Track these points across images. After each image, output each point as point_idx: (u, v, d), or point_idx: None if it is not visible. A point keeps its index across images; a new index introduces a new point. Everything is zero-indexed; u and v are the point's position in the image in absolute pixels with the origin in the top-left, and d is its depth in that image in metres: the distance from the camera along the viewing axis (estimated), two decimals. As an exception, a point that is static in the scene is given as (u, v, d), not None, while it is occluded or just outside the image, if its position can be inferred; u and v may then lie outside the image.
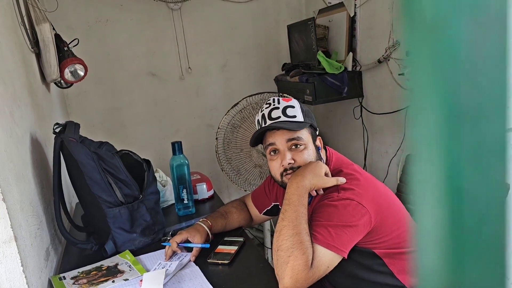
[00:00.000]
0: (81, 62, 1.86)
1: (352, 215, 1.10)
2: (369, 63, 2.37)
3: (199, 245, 1.33)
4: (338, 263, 1.10)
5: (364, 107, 2.50)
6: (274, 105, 1.25)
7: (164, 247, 1.38)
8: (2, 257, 0.96)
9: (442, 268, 0.20)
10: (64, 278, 1.25)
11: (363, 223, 1.10)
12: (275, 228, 1.15)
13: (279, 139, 1.23)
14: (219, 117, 2.47)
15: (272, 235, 2.71)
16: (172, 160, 1.66)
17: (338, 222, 1.09)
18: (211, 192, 1.91)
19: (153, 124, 2.87)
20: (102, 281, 1.21)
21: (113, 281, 1.21)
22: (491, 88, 0.18)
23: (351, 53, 2.44)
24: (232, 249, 1.35)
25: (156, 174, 1.82)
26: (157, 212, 1.51)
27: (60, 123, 1.46)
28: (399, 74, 2.13)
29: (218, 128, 2.37)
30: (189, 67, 2.85)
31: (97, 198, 1.36)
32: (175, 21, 2.77)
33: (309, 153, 1.23)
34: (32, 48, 1.65)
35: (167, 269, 1.22)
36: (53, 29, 1.76)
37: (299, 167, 1.22)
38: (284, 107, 1.24)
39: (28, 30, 1.61)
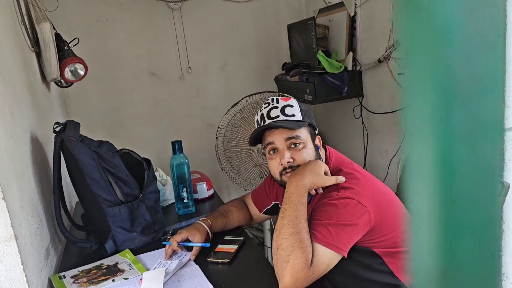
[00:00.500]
0: (81, 61, 1.86)
1: (351, 214, 1.10)
2: (369, 62, 2.37)
3: (199, 244, 1.33)
4: (338, 262, 1.10)
5: (364, 107, 2.50)
6: (273, 104, 1.26)
7: (164, 246, 1.38)
8: (2, 255, 0.96)
9: (434, 249, 0.20)
10: (64, 277, 1.25)
11: (362, 222, 1.10)
12: (275, 227, 1.15)
13: (278, 138, 1.23)
14: (219, 116, 2.47)
15: (272, 235, 2.71)
16: (172, 159, 1.66)
17: (338, 221, 1.09)
18: (211, 192, 1.91)
19: (153, 124, 2.87)
20: (102, 280, 1.22)
21: (113, 280, 1.21)
22: (484, 68, 0.19)
23: (351, 53, 2.45)
24: (232, 248, 1.35)
25: (156, 173, 1.82)
26: (157, 211, 1.51)
27: (60, 122, 1.46)
28: (399, 74, 2.13)
29: (218, 127, 2.37)
30: (189, 67, 2.85)
31: (97, 197, 1.36)
32: (175, 21, 2.77)
33: (308, 152, 1.24)
34: (32, 47, 1.65)
35: (167, 268, 1.23)
36: (54, 28, 1.76)
37: (298, 166, 1.22)
38: (282, 106, 1.24)
39: (29, 30, 1.61)
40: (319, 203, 1.17)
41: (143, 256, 1.37)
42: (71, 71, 1.85)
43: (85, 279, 1.23)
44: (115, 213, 1.39)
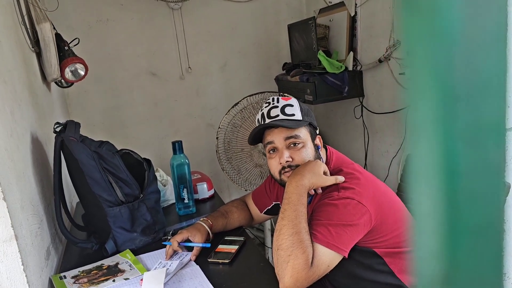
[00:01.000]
0: (81, 61, 1.86)
1: (352, 214, 1.10)
2: (369, 62, 2.36)
3: (200, 245, 1.33)
4: (339, 263, 1.10)
5: (364, 107, 2.50)
6: (273, 103, 1.26)
7: (164, 246, 1.38)
8: (2, 256, 0.96)
9: (437, 251, 0.20)
10: (65, 277, 1.25)
11: (363, 222, 1.10)
12: (275, 227, 1.15)
13: (277, 137, 1.24)
14: (219, 116, 2.47)
15: (272, 235, 2.71)
16: (173, 160, 1.66)
17: (338, 221, 1.09)
18: (211, 192, 1.91)
19: (153, 124, 2.87)
20: (103, 280, 1.21)
21: (114, 280, 1.21)
22: (487, 69, 0.19)
23: (351, 53, 2.44)
24: (233, 248, 1.35)
25: (157, 174, 1.82)
26: (158, 211, 1.51)
27: (61, 122, 1.46)
28: (399, 74, 2.13)
29: (219, 127, 2.37)
30: (189, 67, 2.85)
31: (98, 197, 1.36)
32: (175, 21, 2.77)
33: (308, 152, 1.23)
34: (32, 47, 1.65)
35: (168, 268, 1.22)
36: (54, 28, 1.76)
37: (297, 165, 1.22)
38: (283, 106, 1.24)
39: (29, 30, 1.61)
40: (319, 203, 1.17)
41: (143, 256, 1.37)
42: (71, 71, 1.85)
43: (85, 280, 1.23)
44: (116, 214, 1.39)
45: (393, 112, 2.26)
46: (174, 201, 1.81)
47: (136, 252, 1.40)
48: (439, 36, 0.18)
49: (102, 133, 2.46)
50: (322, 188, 1.22)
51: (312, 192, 1.21)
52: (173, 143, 1.66)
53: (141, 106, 2.82)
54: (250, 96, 2.36)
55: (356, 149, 2.65)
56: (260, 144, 1.33)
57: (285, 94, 2.30)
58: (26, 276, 1.00)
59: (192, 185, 1.75)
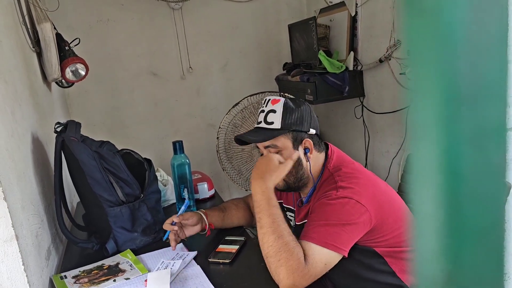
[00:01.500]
0: (82, 61, 1.86)
1: (350, 214, 1.10)
2: (370, 62, 2.36)
3: (183, 207, 1.35)
4: (339, 262, 1.10)
5: (365, 107, 2.50)
6: (263, 107, 1.28)
7: (168, 245, 1.37)
8: (3, 256, 0.96)
9: (439, 252, 0.20)
10: (65, 277, 1.25)
11: (362, 221, 1.10)
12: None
13: (259, 145, 1.28)
14: (220, 116, 2.47)
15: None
16: (173, 160, 1.66)
17: (336, 221, 1.09)
18: (212, 192, 1.91)
19: (154, 124, 2.87)
20: (103, 280, 1.21)
21: (114, 280, 1.21)
22: (490, 71, 0.19)
23: (352, 53, 2.44)
24: (233, 248, 1.35)
25: (157, 174, 1.82)
26: (158, 211, 1.51)
27: (61, 122, 1.46)
28: (400, 74, 2.13)
29: (219, 127, 2.37)
30: (190, 67, 2.85)
31: (98, 197, 1.36)
32: (176, 21, 2.77)
33: (288, 155, 1.24)
34: (33, 47, 1.65)
35: (171, 269, 1.22)
36: (54, 28, 1.76)
37: None
38: (267, 112, 1.26)
39: (29, 30, 1.61)
40: (317, 203, 1.17)
41: (144, 256, 1.37)
42: (72, 71, 1.85)
43: (86, 280, 1.23)
44: (116, 213, 1.39)
45: (393, 112, 2.26)
46: (174, 201, 1.81)
47: (137, 252, 1.40)
48: (442, 38, 0.18)
49: (103, 133, 2.46)
50: (319, 186, 1.22)
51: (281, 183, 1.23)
52: (174, 143, 1.65)
53: (142, 106, 2.83)
54: (250, 96, 2.36)
55: (357, 149, 2.65)
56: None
57: (282, 95, 2.30)
58: (26, 276, 1.00)
59: (193, 185, 1.75)
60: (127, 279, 1.22)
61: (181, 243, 1.39)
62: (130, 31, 2.71)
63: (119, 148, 1.52)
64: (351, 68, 2.44)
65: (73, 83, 2.06)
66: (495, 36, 0.19)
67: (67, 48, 1.84)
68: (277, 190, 1.30)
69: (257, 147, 1.32)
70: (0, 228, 0.95)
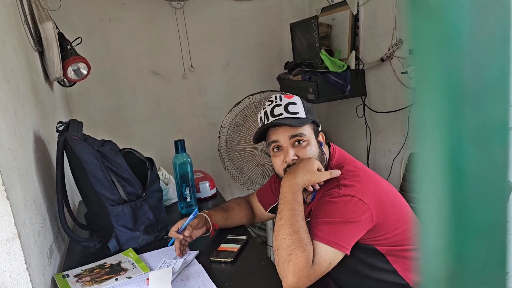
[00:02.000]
0: (84, 60, 1.86)
1: (353, 212, 1.10)
2: (372, 61, 2.36)
3: (191, 216, 1.32)
4: (341, 260, 1.10)
5: (367, 106, 2.50)
6: (276, 102, 1.26)
7: (162, 238, 1.38)
8: (6, 254, 0.97)
9: (443, 250, 0.20)
10: (68, 275, 1.25)
11: (364, 219, 1.10)
12: (274, 227, 1.15)
13: (282, 136, 1.24)
14: (221, 115, 2.47)
15: (274, 234, 2.71)
16: (175, 159, 1.66)
17: (339, 219, 1.09)
18: (213, 191, 1.91)
19: (155, 123, 2.87)
20: (105, 279, 1.22)
21: (116, 279, 1.21)
22: (493, 71, 0.19)
23: (354, 52, 2.44)
24: (235, 247, 1.35)
25: (159, 173, 1.82)
26: (160, 210, 1.51)
27: (64, 121, 1.46)
28: (402, 73, 2.12)
29: (221, 126, 2.37)
30: (191, 66, 2.85)
31: (100, 196, 1.37)
32: (178, 20, 2.77)
33: (312, 149, 1.24)
34: (35, 46, 1.65)
35: (173, 267, 1.23)
36: (56, 27, 1.76)
37: None
38: (286, 104, 1.25)
39: (32, 29, 1.61)
40: (320, 201, 1.17)
41: (146, 255, 1.37)
42: (74, 70, 1.85)
43: (88, 278, 1.23)
44: (118, 212, 1.39)
45: (395, 111, 2.25)
46: (176, 200, 1.82)
47: (139, 251, 1.40)
48: (446, 37, 0.19)
49: (105, 132, 2.47)
50: (321, 185, 1.22)
51: (310, 188, 1.21)
52: (176, 142, 1.66)
53: (144, 105, 2.83)
54: (252, 95, 2.36)
55: (359, 148, 2.65)
56: (262, 143, 1.34)
57: (287, 93, 2.30)
58: (29, 274, 1.00)
59: (195, 184, 1.75)
60: (129, 278, 1.22)
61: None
62: (132, 30, 2.71)
63: (121, 147, 1.52)
64: (353, 67, 2.44)
65: (75, 82, 2.07)
66: (498, 36, 0.19)
67: (69, 47, 1.85)
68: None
69: (269, 143, 1.28)
70: (2, 227, 0.95)
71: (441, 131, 0.19)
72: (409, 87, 2.07)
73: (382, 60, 2.25)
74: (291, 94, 1.30)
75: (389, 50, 2.19)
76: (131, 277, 1.22)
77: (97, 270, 1.29)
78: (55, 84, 2.06)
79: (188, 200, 1.71)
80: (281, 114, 1.24)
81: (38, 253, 1.14)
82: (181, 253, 1.30)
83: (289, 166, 1.25)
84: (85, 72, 1.89)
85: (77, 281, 1.22)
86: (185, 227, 1.32)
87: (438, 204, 0.20)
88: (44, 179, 1.38)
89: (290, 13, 3.01)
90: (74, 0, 2.54)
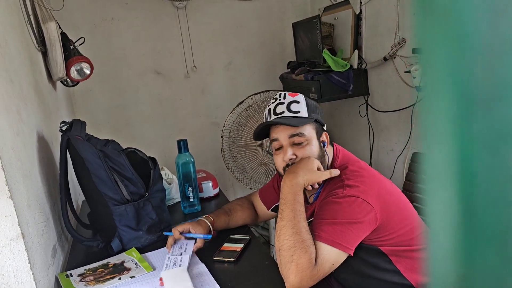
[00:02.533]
0: (87, 60, 1.86)
1: (357, 212, 1.10)
2: (374, 60, 2.36)
3: (201, 236, 1.33)
4: (345, 261, 1.10)
5: (369, 105, 2.49)
6: (279, 100, 1.26)
7: (166, 237, 1.39)
8: (9, 254, 0.97)
9: (452, 255, 0.20)
10: (71, 275, 1.26)
11: (368, 220, 1.10)
12: (275, 228, 1.15)
13: (281, 135, 1.24)
14: (224, 115, 2.47)
15: (277, 233, 2.71)
16: (178, 158, 1.67)
17: (343, 220, 1.09)
18: (216, 190, 1.91)
19: (158, 122, 2.88)
20: (109, 278, 1.22)
21: (120, 278, 1.21)
22: (506, 73, 0.18)
23: (356, 51, 2.44)
24: (238, 247, 1.35)
25: (162, 172, 1.83)
26: (163, 210, 1.52)
27: (67, 121, 1.46)
28: (405, 72, 2.12)
29: (224, 126, 2.37)
30: (194, 66, 2.86)
31: (103, 195, 1.37)
32: (180, 20, 2.77)
33: (312, 149, 1.23)
34: (38, 46, 1.66)
35: (180, 264, 1.24)
36: (59, 27, 1.77)
37: None
38: (289, 102, 1.25)
39: (35, 29, 1.62)
40: (324, 201, 1.17)
41: (149, 254, 1.37)
42: (77, 70, 1.86)
43: (91, 278, 1.23)
44: (121, 212, 1.39)
45: (398, 110, 2.25)
46: (179, 199, 1.82)
47: (142, 250, 1.40)
48: (456, 38, 0.18)
49: (108, 132, 2.48)
50: (321, 184, 1.22)
51: (310, 188, 1.21)
52: (178, 142, 1.66)
53: (146, 105, 2.83)
54: (254, 94, 2.36)
55: (361, 148, 2.65)
56: (265, 142, 1.34)
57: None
58: (33, 274, 1.01)
59: (197, 183, 1.75)
60: (132, 277, 1.22)
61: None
62: (135, 30, 2.72)
63: (124, 147, 1.52)
64: (355, 66, 2.44)
65: (78, 82, 2.07)
66: (511, 38, 0.18)
67: (72, 47, 1.85)
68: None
69: (271, 141, 1.29)
70: (6, 227, 0.95)
71: (452, 134, 0.19)
72: (412, 86, 2.07)
73: (385, 59, 2.25)
74: (296, 93, 1.29)
75: (392, 49, 2.19)
76: (134, 277, 1.22)
77: (100, 269, 1.29)
78: (58, 84, 2.06)
79: (191, 199, 1.71)
80: (283, 112, 1.24)
81: (42, 253, 1.14)
82: (170, 251, 1.34)
83: (288, 165, 1.24)
84: (88, 72, 1.89)
85: (80, 281, 1.22)
86: (191, 238, 1.35)
87: (448, 207, 0.20)
88: (47, 179, 1.39)
89: (292, 13, 3.01)
90: (77, 0, 2.55)
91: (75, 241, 1.49)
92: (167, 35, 2.78)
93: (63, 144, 1.40)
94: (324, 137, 1.29)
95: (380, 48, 2.31)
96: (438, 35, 0.19)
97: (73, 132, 1.40)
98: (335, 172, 1.20)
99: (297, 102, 1.25)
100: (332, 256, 1.07)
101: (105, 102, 2.74)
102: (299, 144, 1.23)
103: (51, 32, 1.66)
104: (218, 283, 1.15)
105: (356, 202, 1.11)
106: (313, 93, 2.42)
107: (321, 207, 1.17)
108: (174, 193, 1.85)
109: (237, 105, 2.35)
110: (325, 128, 1.31)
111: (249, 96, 2.36)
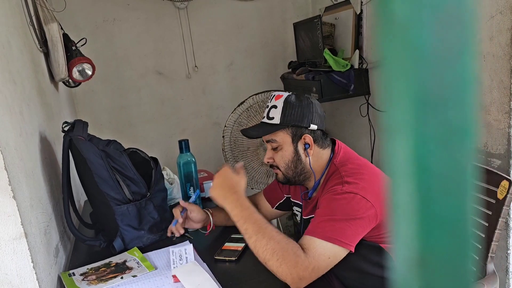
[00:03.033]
0: (89, 61, 1.87)
1: (356, 209, 1.11)
2: (375, 60, 2.36)
3: (195, 195, 1.41)
4: (345, 258, 1.11)
5: (370, 105, 2.50)
6: (269, 102, 1.32)
7: (174, 243, 1.41)
8: (12, 253, 0.98)
9: (413, 238, 0.23)
10: (74, 274, 1.27)
11: (368, 216, 1.11)
12: (281, 226, 1.16)
13: (263, 138, 1.33)
14: (225, 115, 2.48)
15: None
16: (179, 158, 1.67)
17: (341, 216, 1.10)
18: (218, 190, 1.91)
19: (160, 123, 2.89)
20: (111, 278, 1.23)
21: (122, 278, 1.22)
22: (454, 79, 0.21)
23: (357, 51, 2.44)
24: (239, 246, 1.36)
25: (163, 172, 1.83)
26: (165, 209, 1.52)
27: (69, 121, 1.47)
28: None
29: (225, 126, 2.38)
30: (195, 66, 2.86)
31: (105, 195, 1.38)
32: (181, 20, 2.78)
33: (284, 154, 1.29)
34: (40, 47, 1.67)
35: (187, 257, 1.27)
36: (61, 28, 1.78)
37: (277, 166, 1.31)
38: (271, 107, 1.30)
39: (37, 30, 1.62)
40: (323, 198, 1.18)
41: (151, 254, 1.38)
42: (79, 71, 1.87)
43: (94, 277, 1.24)
44: (123, 212, 1.40)
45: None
46: (181, 199, 1.82)
47: (144, 249, 1.41)
48: (411, 50, 0.21)
49: (110, 132, 2.49)
50: (325, 181, 1.25)
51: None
52: (180, 142, 1.67)
53: (148, 105, 2.84)
54: (256, 94, 2.37)
55: (362, 147, 2.65)
56: (266, 143, 1.36)
57: (285, 91, 2.30)
58: (35, 273, 1.02)
59: (199, 183, 1.76)
60: (134, 276, 1.23)
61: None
62: (136, 31, 2.73)
63: (126, 147, 1.53)
64: (356, 66, 2.44)
65: (80, 83, 2.08)
66: (457, 48, 0.21)
67: (74, 48, 1.86)
68: (279, 182, 1.40)
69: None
70: (9, 226, 0.96)
71: (408, 133, 0.22)
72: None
73: (386, 59, 2.25)
74: (282, 94, 1.30)
75: (392, 49, 2.19)
76: (136, 276, 1.23)
77: (103, 268, 1.30)
78: (60, 84, 2.07)
79: (193, 199, 1.71)
80: (264, 118, 1.32)
81: (45, 252, 1.15)
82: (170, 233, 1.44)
83: (271, 166, 1.33)
84: (90, 72, 1.90)
85: (82, 280, 1.23)
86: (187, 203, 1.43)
87: (407, 198, 0.23)
88: (50, 179, 1.40)
89: (293, 13, 3.01)
90: (79, 1, 2.56)
91: (78, 241, 1.50)
92: (169, 36, 2.79)
93: (65, 145, 1.41)
94: (307, 139, 1.28)
95: (381, 48, 2.31)
96: (395, 44, 0.22)
97: (75, 132, 1.41)
98: (238, 165, 1.32)
99: (275, 107, 1.28)
100: (327, 251, 1.08)
101: (107, 103, 2.75)
102: (276, 148, 1.30)
103: (53, 33, 1.67)
104: (219, 282, 1.16)
105: (355, 199, 1.12)
106: (314, 93, 2.42)
107: (320, 204, 1.18)
108: (175, 193, 1.86)
109: (238, 105, 2.36)
110: (313, 127, 1.28)
111: (250, 96, 2.37)
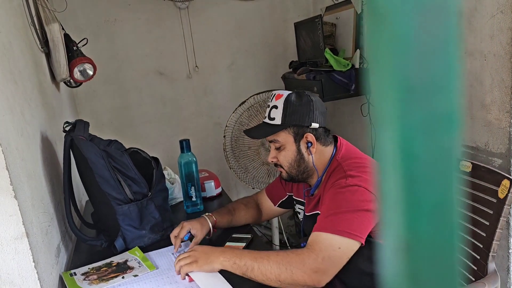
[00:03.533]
0: (90, 61, 1.88)
1: (360, 201, 1.11)
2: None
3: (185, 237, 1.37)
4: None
5: (372, 104, 2.49)
6: (269, 101, 1.33)
7: (168, 236, 1.42)
8: (14, 253, 0.98)
9: (400, 225, 0.24)
10: (75, 274, 1.27)
11: (373, 208, 1.10)
12: (283, 226, 1.17)
13: (266, 138, 1.33)
14: (226, 115, 2.48)
15: (280, 232, 2.72)
16: (180, 158, 1.67)
17: (347, 209, 1.10)
18: (219, 190, 1.92)
19: (161, 123, 2.89)
20: (112, 277, 1.23)
21: (123, 277, 1.22)
22: (438, 70, 0.22)
23: (358, 50, 2.44)
24: (240, 245, 1.36)
25: (165, 172, 1.84)
26: (166, 209, 1.53)
27: (70, 121, 1.47)
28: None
29: (226, 126, 2.38)
30: (196, 66, 2.87)
31: (107, 195, 1.38)
32: (182, 20, 2.78)
33: (287, 153, 1.30)
34: (42, 48, 1.67)
35: None
36: (62, 29, 1.78)
37: (281, 165, 1.32)
38: (271, 107, 1.30)
39: (38, 30, 1.63)
40: (328, 194, 1.19)
41: (152, 253, 1.39)
42: (80, 71, 1.87)
43: (95, 276, 1.25)
44: (125, 211, 1.40)
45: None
46: (182, 199, 1.83)
47: (145, 249, 1.41)
48: (395, 41, 0.22)
49: (111, 132, 2.49)
50: (327, 176, 1.25)
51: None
52: (181, 142, 1.67)
53: (149, 105, 2.84)
54: (256, 94, 2.37)
55: (363, 147, 2.64)
56: (267, 142, 1.37)
57: (285, 91, 2.30)
58: (37, 273, 1.02)
59: (200, 183, 1.76)
60: (135, 276, 1.23)
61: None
62: (137, 31, 2.73)
63: (127, 147, 1.53)
64: (357, 65, 2.44)
65: (81, 83, 2.08)
66: (440, 38, 0.22)
67: (75, 48, 1.86)
68: (283, 180, 1.40)
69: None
70: (11, 226, 0.97)
71: (394, 121, 0.22)
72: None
73: (387, 58, 2.25)
74: (282, 93, 1.30)
75: (393, 48, 2.19)
76: (137, 275, 1.23)
77: (104, 268, 1.30)
78: (62, 85, 2.08)
79: (194, 199, 1.72)
80: (265, 118, 1.32)
81: (46, 252, 1.16)
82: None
83: (275, 165, 1.34)
84: (91, 72, 1.90)
85: (84, 279, 1.23)
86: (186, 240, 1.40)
87: (394, 186, 0.23)
88: (51, 179, 1.40)
89: (294, 13, 3.01)
90: (80, 1, 2.56)
91: (79, 241, 1.50)
92: (170, 36, 2.79)
93: (66, 145, 1.41)
94: (310, 137, 1.28)
95: (382, 47, 2.31)
96: (380, 35, 0.22)
97: (76, 132, 1.41)
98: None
99: (276, 107, 1.28)
100: (335, 242, 1.08)
101: (108, 103, 2.76)
102: (279, 147, 1.30)
103: (54, 33, 1.67)
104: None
105: (359, 191, 1.12)
106: (315, 92, 2.42)
107: (325, 200, 1.18)
108: (177, 193, 1.86)
109: (240, 105, 2.36)
110: (315, 126, 1.28)
111: (251, 96, 2.37)
